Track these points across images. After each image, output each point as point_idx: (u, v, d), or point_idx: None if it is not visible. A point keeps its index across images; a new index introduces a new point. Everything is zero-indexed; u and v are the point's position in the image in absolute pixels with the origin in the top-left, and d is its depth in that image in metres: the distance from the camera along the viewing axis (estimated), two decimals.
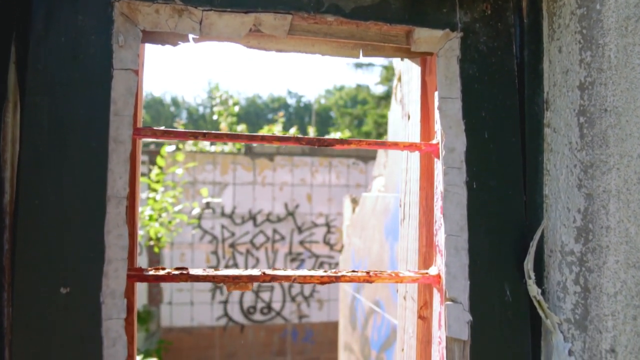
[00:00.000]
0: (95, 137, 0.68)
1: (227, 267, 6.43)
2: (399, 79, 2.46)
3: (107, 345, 0.66)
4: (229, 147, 7.84)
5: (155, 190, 4.59)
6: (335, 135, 9.12)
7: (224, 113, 8.73)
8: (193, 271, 0.86)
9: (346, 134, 9.19)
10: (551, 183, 0.83)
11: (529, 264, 0.79)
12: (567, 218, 0.79)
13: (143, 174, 5.47)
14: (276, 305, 6.58)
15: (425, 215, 1.06)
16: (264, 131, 8.53)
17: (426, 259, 1.04)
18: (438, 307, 0.93)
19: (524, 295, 0.80)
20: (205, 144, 7.61)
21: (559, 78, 0.82)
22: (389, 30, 0.81)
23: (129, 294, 0.87)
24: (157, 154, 4.91)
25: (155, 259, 6.20)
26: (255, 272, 0.89)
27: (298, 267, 6.61)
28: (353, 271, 0.96)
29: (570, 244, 0.79)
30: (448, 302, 0.80)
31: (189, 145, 7.37)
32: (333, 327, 6.45)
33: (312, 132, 9.45)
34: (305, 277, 0.91)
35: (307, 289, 6.68)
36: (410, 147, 0.97)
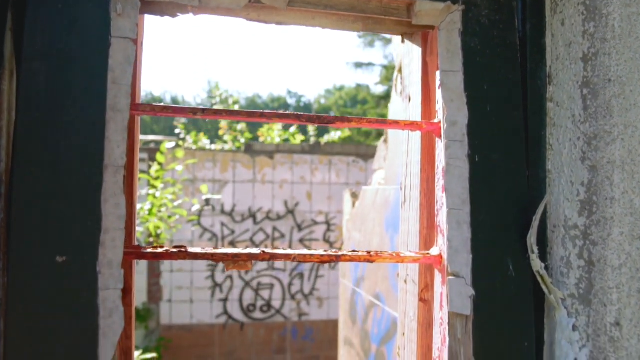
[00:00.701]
0: (92, 105, 0.67)
1: None
2: (399, 71, 2.46)
3: (104, 315, 0.65)
4: (229, 145, 7.83)
5: (155, 187, 4.58)
6: (335, 133, 9.11)
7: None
8: (192, 249, 0.85)
9: (346, 132, 9.18)
10: (554, 158, 0.82)
11: (532, 238, 0.78)
12: (571, 192, 0.79)
13: (143, 171, 5.46)
14: (276, 304, 6.56)
15: (426, 197, 1.05)
16: (264, 130, 8.52)
17: (427, 242, 1.03)
18: (439, 288, 0.91)
19: (527, 271, 0.79)
20: (205, 142, 7.60)
21: (562, 51, 0.81)
22: (389, 2, 0.81)
23: (127, 272, 0.86)
24: (157, 152, 4.90)
25: None
26: (255, 250, 0.88)
27: (298, 265, 6.59)
28: (354, 251, 0.95)
29: (574, 217, 0.78)
30: (450, 277, 0.79)
31: (189, 143, 7.36)
32: (333, 325, 6.43)
33: (311, 129, 9.44)
34: (305, 255, 0.90)
35: (307, 287, 6.67)
36: (412, 125, 0.96)
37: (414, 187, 1.08)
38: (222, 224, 6.36)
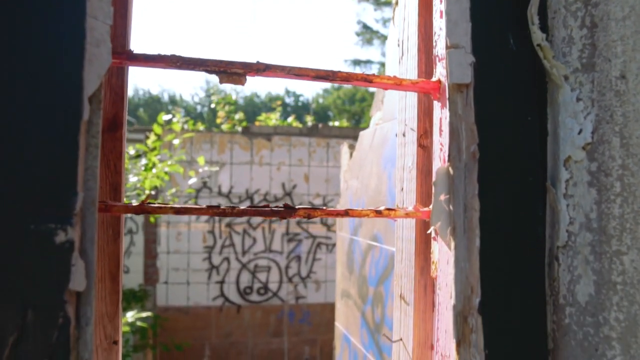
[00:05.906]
0: None
1: (223, 247, 6.36)
2: (396, 2, 2.45)
3: (90, 42, 0.62)
4: (225, 127, 7.81)
5: (151, 160, 4.54)
6: (334, 124, 9.13)
7: (222, 102, 8.73)
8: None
9: (344, 123, 9.19)
10: None
11: (532, 8, 0.76)
12: None
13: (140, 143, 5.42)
14: (273, 286, 6.49)
15: (424, 41, 1.04)
16: (262, 118, 8.52)
17: None
18: (439, 113, 0.89)
19: (528, 46, 0.77)
20: (203, 130, 7.58)
21: None
22: None
23: (118, 94, 0.84)
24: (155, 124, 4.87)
25: (152, 238, 6.13)
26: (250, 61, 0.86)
27: (295, 248, 6.54)
28: (348, 72, 0.93)
29: None
30: (450, 49, 0.76)
31: (186, 126, 7.35)
32: (330, 308, 6.36)
33: (309, 120, 9.44)
34: (300, 69, 0.89)
35: (304, 270, 6.61)
36: None
37: (412, 35, 1.06)
38: (219, 206, 6.32)
